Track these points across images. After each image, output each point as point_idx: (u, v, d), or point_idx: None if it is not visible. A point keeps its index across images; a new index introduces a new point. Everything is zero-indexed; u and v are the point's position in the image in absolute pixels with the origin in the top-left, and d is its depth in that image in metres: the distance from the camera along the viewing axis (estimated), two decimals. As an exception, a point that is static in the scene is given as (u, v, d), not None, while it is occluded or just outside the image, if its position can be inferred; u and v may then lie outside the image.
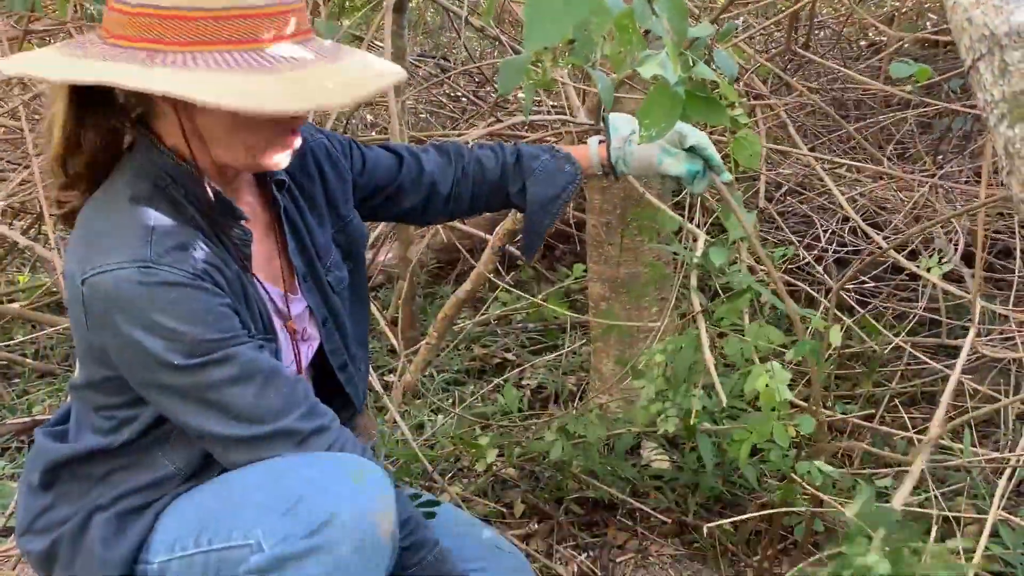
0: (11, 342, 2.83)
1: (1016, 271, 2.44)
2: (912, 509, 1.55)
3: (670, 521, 1.93)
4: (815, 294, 2.47)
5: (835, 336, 1.45)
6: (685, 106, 0.95)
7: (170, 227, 1.09)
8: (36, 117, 2.81)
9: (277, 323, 1.24)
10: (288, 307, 1.28)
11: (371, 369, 2.29)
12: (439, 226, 2.58)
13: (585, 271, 2.34)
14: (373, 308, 2.06)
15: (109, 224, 1.09)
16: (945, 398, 1.30)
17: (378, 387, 2.28)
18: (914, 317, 2.50)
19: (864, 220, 2.56)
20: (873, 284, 2.76)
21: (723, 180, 1.39)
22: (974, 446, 1.97)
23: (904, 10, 3.78)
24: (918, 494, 1.86)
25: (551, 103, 2.59)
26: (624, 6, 0.89)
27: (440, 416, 2.34)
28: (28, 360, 2.80)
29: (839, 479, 1.94)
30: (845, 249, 2.83)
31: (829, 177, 2.31)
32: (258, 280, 1.22)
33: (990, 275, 2.71)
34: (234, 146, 1.11)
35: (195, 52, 1.01)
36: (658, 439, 2.13)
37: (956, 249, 2.54)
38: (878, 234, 2.34)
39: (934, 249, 2.64)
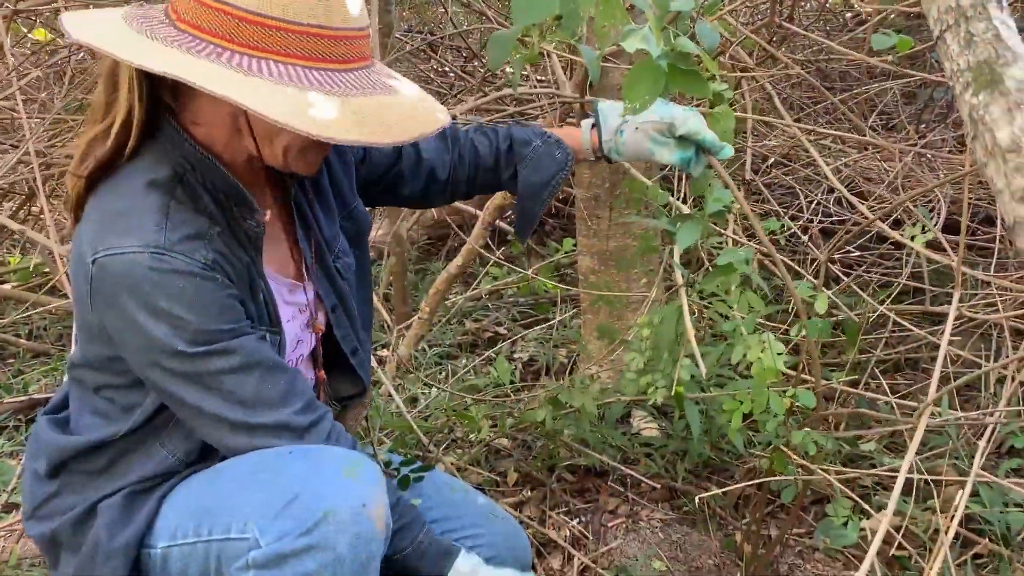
0: (3, 320, 2.85)
1: (996, 238, 2.48)
2: (895, 473, 1.60)
3: (660, 487, 1.97)
4: (798, 268, 2.51)
5: (821, 304, 1.48)
6: (668, 79, 0.97)
7: (185, 215, 1.10)
8: (26, 98, 2.81)
9: (286, 313, 1.26)
10: (299, 296, 1.29)
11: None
12: (429, 202, 2.60)
13: (575, 245, 2.37)
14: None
15: (124, 207, 1.10)
16: (938, 366, 1.34)
17: (372, 362, 2.32)
18: (898, 285, 2.54)
19: (849, 190, 2.60)
20: (858, 253, 2.80)
21: (722, 157, 1.35)
22: (955, 409, 2.02)
23: (889, -20, 3.79)
24: (901, 457, 1.92)
25: (538, 77, 2.61)
26: (608, -19, 0.91)
27: (433, 389, 2.38)
28: (22, 340, 2.82)
29: (826, 445, 1.99)
30: (830, 219, 2.87)
31: (814, 148, 2.34)
32: (268, 272, 1.23)
33: (973, 241, 2.75)
34: (275, 148, 1.14)
35: (267, 59, 1.02)
36: (648, 408, 2.18)
37: (939, 217, 2.58)
38: (862, 204, 2.38)
39: (917, 218, 2.68)
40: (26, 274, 3.09)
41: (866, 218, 2.26)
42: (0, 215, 2.50)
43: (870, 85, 3.29)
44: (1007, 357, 2.09)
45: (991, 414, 1.79)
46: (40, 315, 2.90)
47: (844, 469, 1.77)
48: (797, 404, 1.42)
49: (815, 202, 2.88)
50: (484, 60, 3.71)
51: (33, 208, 3.15)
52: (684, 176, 2.13)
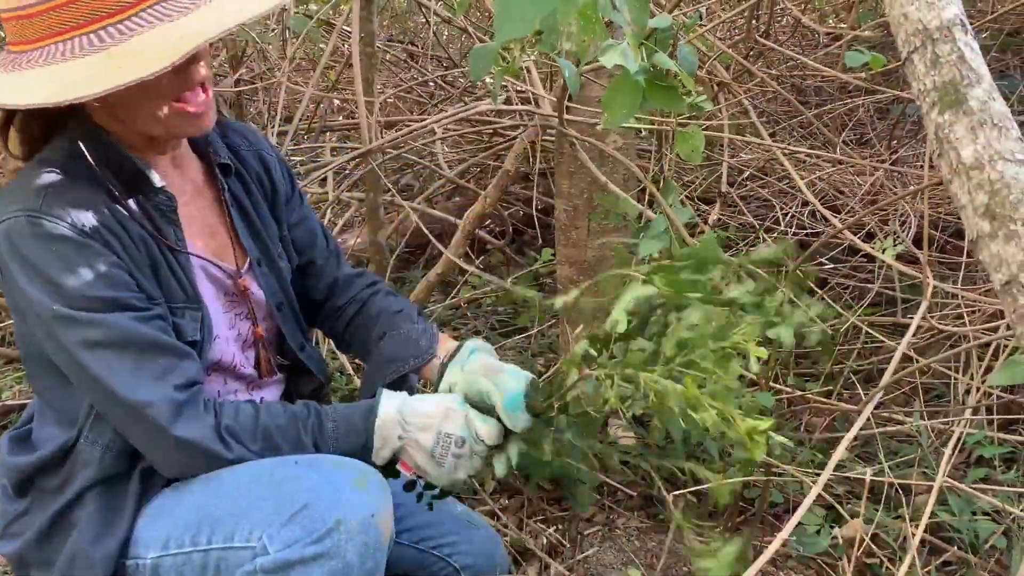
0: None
1: (964, 251, 2.53)
2: (866, 477, 1.63)
3: (636, 495, 1.99)
4: (773, 281, 2.55)
5: (787, 335, 1.50)
6: (645, 93, 1.00)
7: (67, 185, 1.13)
8: None
9: (208, 291, 1.26)
10: (230, 281, 1.31)
11: (344, 353, 2.32)
12: (409, 210, 2.62)
13: (553, 255, 2.39)
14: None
15: (17, 183, 1.14)
16: (889, 370, 1.37)
17: (350, 369, 2.32)
18: (869, 296, 2.58)
19: (823, 204, 2.65)
20: (832, 265, 2.85)
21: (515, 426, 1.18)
22: (924, 419, 2.06)
23: (863, -2, 3.86)
24: (873, 464, 1.95)
25: (517, 87, 2.64)
26: (588, -2, 0.93)
27: (412, 397, 2.38)
28: (-4, 347, 2.79)
29: (796, 452, 2.02)
30: (805, 232, 2.91)
31: (789, 162, 2.38)
32: (195, 248, 1.25)
33: (942, 257, 2.80)
34: (143, 117, 1.16)
35: (62, 41, 1.07)
36: (625, 417, 2.19)
37: (910, 230, 2.63)
38: (836, 217, 2.42)
39: (890, 231, 2.73)
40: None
41: (840, 231, 2.31)
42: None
43: (844, 101, 3.35)
44: (973, 368, 2.13)
45: (957, 423, 1.83)
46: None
47: (819, 472, 1.80)
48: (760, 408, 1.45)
49: (790, 215, 2.92)
50: (465, 70, 3.73)
51: None
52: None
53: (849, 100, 3.34)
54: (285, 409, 1.21)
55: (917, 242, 2.58)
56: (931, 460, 2.00)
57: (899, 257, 2.33)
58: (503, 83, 2.67)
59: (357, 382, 2.22)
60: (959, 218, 2.89)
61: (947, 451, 1.49)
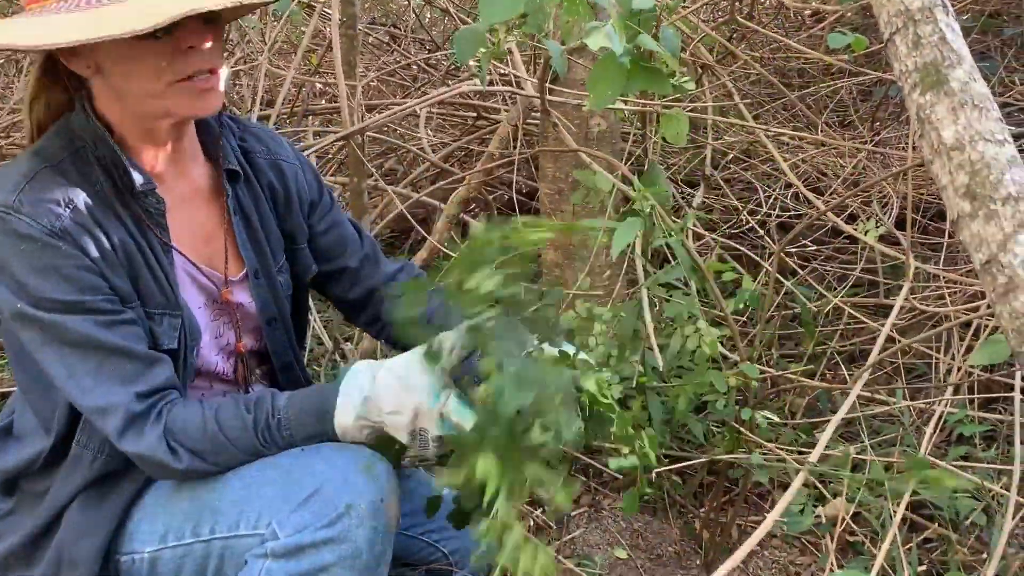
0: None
1: (946, 232, 2.55)
2: (849, 455, 1.64)
3: (621, 476, 2.01)
4: (758, 259, 2.56)
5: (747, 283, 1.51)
6: (630, 75, 1.00)
7: (54, 181, 1.11)
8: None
9: (193, 297, 1.24)
10: (216, 289, 1.27)
11: (331, 337, 2.32)
12: (393, 195, 2.61)
13: (538, 238, 2.39)
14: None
15: (1, 172, 1.13)
16: (874, 352, 1.39)
17: (336, 355, 2.32)
18: (852, 278, 2.60)
19: (806, 186, 2.66)
20: (815, 247, 2.86)
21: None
22: (906, 398, 2.09)
23: (845, -21, 3.86)
24: (856, 442, 1.97)
25: (501, 70, 2.63)
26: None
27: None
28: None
29: (780, 432, 2.04)
30: (788, 214, 2.92)
31: (772, 144, 2.39)
32: (181, 252, 1.22)
33: (925, 238, 2.82)
34: (140, 97, 1.13)
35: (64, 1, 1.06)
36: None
37: (892, 212, 2.65)
38: (819, 199, 2.43)
39: (872, 213, 2.75)
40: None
41: (823, 213, 2.32)
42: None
43: (827, 83, 3.35)
44: (954, 348, 2.16)
45: (938, 402, 1.85)
46: None
47: (804, 450, 1.82)
48: (743, 384, 1.47)
49: (773, 197, 2.93)
50: (448, 53, 3.71)
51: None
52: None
53: (832, 82, 3.35)
54: (238, 412, 1.15)
55: (900, 223, 2.60)
56: (913, 439, 2.02)
57: (881, 238, 2.35)
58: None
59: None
60: (941, 199, 2.91)
61: (928, 430, 1.51)
